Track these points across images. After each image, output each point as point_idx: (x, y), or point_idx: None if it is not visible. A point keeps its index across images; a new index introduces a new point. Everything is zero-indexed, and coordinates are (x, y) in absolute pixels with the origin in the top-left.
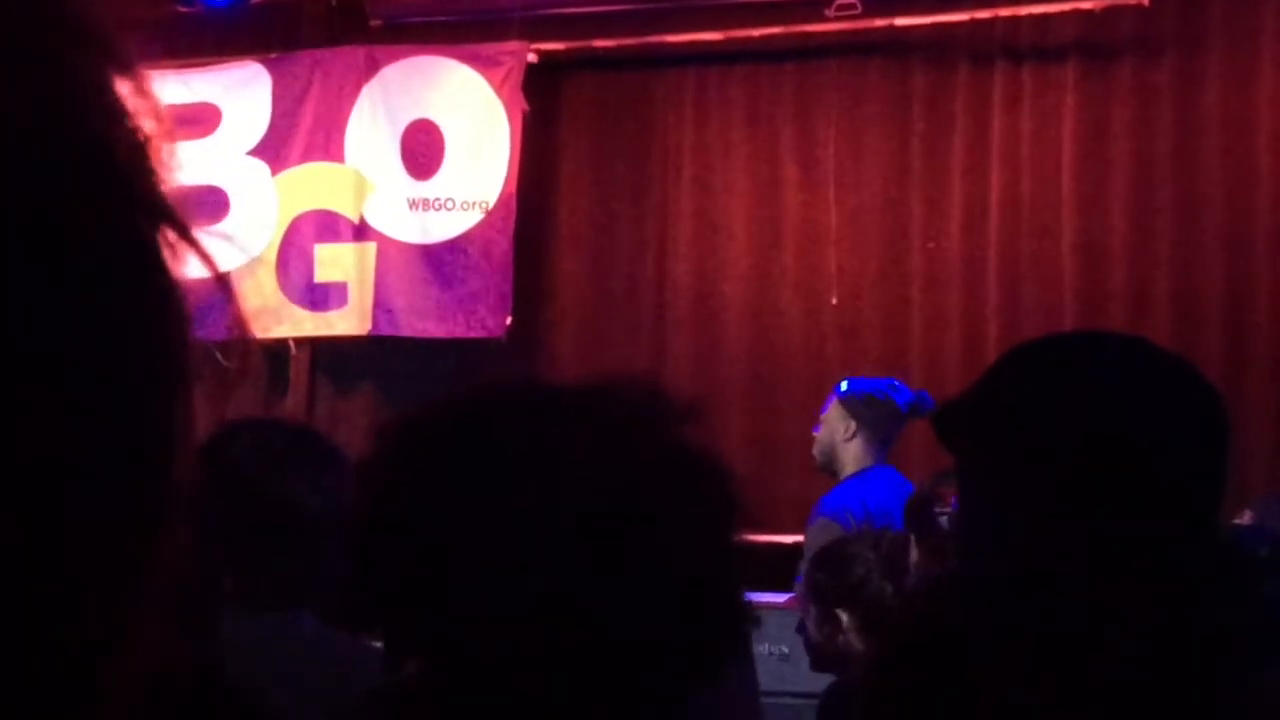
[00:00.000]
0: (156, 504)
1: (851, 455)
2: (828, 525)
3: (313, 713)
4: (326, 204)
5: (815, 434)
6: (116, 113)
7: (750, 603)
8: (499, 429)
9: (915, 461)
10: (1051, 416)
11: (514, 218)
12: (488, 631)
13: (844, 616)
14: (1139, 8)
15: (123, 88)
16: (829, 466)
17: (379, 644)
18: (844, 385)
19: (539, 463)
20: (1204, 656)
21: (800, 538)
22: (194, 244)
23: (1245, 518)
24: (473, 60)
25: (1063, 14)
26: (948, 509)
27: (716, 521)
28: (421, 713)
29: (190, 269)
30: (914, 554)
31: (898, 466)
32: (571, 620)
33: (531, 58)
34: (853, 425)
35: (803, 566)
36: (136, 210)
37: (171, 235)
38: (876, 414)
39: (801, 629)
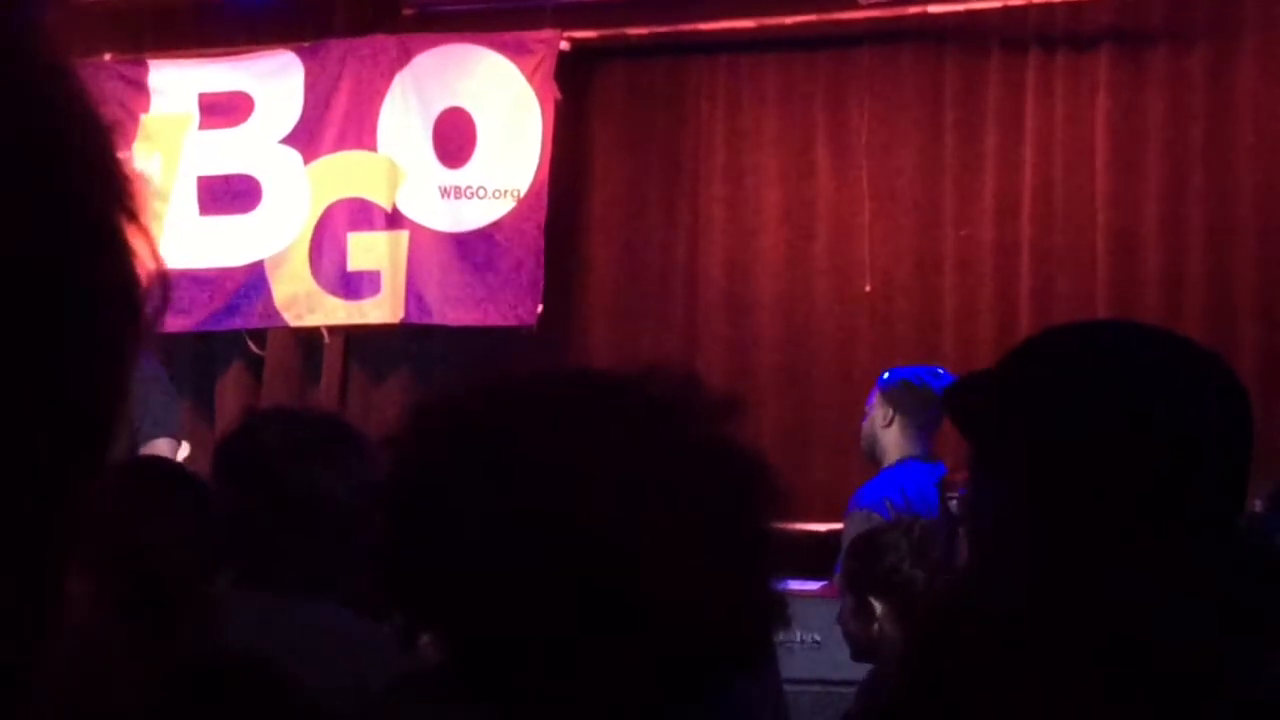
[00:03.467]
0: (76, 496)
1: (891, 442)
2: (869, 517)
3: (334, 698)
4: (359, 192)
5: (863, 426)
6: (78, 95)
7: (783, 597)
8: (534, 416)
9: (958, 451)
10: (1085, 408)
11: (546, 206)
12: (510, 615)
13: (878, 605)
14: None
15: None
16: (872, 455)
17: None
18: (885, 375)
19: (571, 451)
20: (1231, 647)
21: (832, 525)
22: (144, 231)
23: (1256, 505)
24: (505, 48)
25: (1096, 1)
26: (956, 494)
27: (750, 514)
28: (450, 697)
29: (224, 257)
30: (963, 547)
31: (942, 455)
32: (599, 608)
33: (564, 46)
34: (890, 412)
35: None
36: (98, 190)
37: (127, 219)
38: (913, 399)
39: (841, 618)
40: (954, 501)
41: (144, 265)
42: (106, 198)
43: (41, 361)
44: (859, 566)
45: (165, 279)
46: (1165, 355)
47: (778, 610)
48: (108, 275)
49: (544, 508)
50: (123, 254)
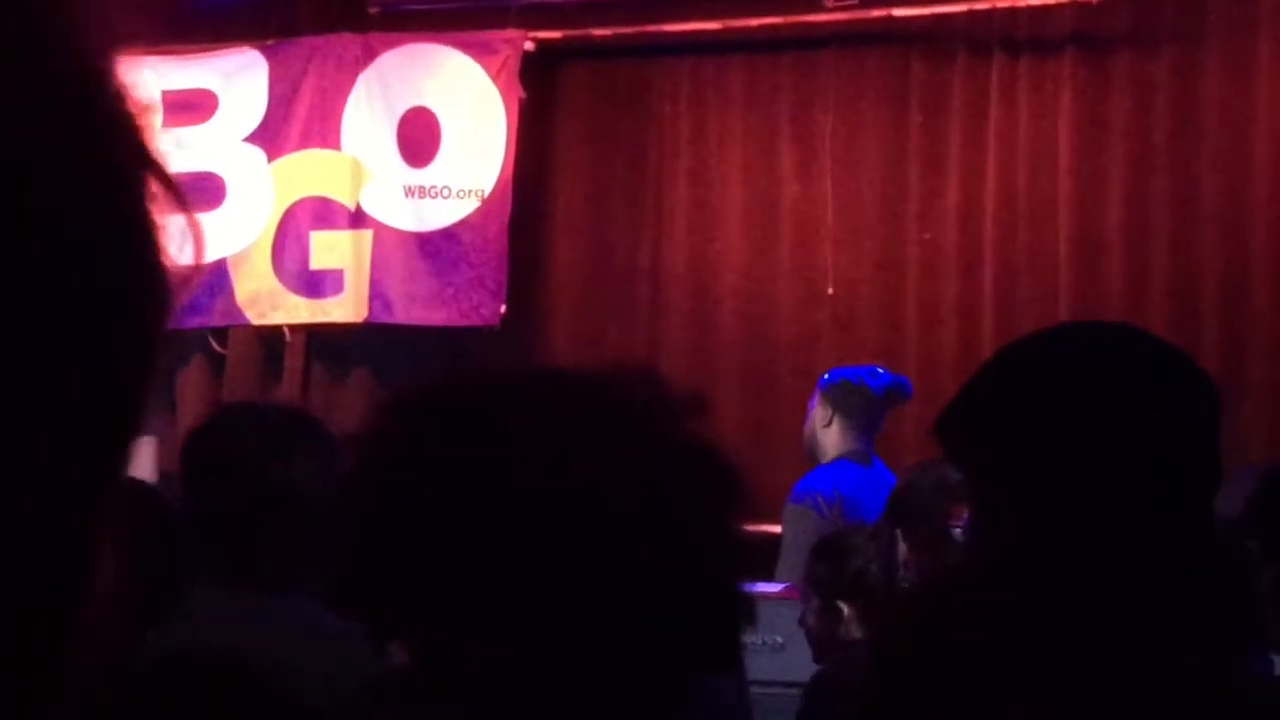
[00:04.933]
0: (108, 482)
1: (831, 442)
2: (799, 512)
3: (312, 695)
4: (323, 191)
5: (805, 428)
6: (101, 67)
7: (751, 596)
8: (500, 414)
9: (909, 451)
10: (1075, 407)
11: (509, 206)
12: (480, 618)
13: (844, 608)
14: None
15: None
16: (812, 455)
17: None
18: (825, 376)
19: (539, 450)
20: (1230, 648)
21: None
22: (179, 198)
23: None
24: (469, 48)
25: (1060, 5)
26: (959, 522)
27: (720, 512)
28: (426, 697)
29: (184, 255)
30: (902, 548)
31: (891, 455)
32: (565, 610)
33: (528, 46)
34: (829, 412)
35: (781, 555)
36: (123, 159)
37: (157, 189)
38: (852, 399)
39: (804, 621)
40: (958, 530)
41: (177, 252)
42: (140, 183)
43: (67, 350)
44: (825, 569)
45: (200, 268)
46: (1149, 354)
47: (747, 610)
48: (143, 262)
49: (515, 508)
50: (156, 240)
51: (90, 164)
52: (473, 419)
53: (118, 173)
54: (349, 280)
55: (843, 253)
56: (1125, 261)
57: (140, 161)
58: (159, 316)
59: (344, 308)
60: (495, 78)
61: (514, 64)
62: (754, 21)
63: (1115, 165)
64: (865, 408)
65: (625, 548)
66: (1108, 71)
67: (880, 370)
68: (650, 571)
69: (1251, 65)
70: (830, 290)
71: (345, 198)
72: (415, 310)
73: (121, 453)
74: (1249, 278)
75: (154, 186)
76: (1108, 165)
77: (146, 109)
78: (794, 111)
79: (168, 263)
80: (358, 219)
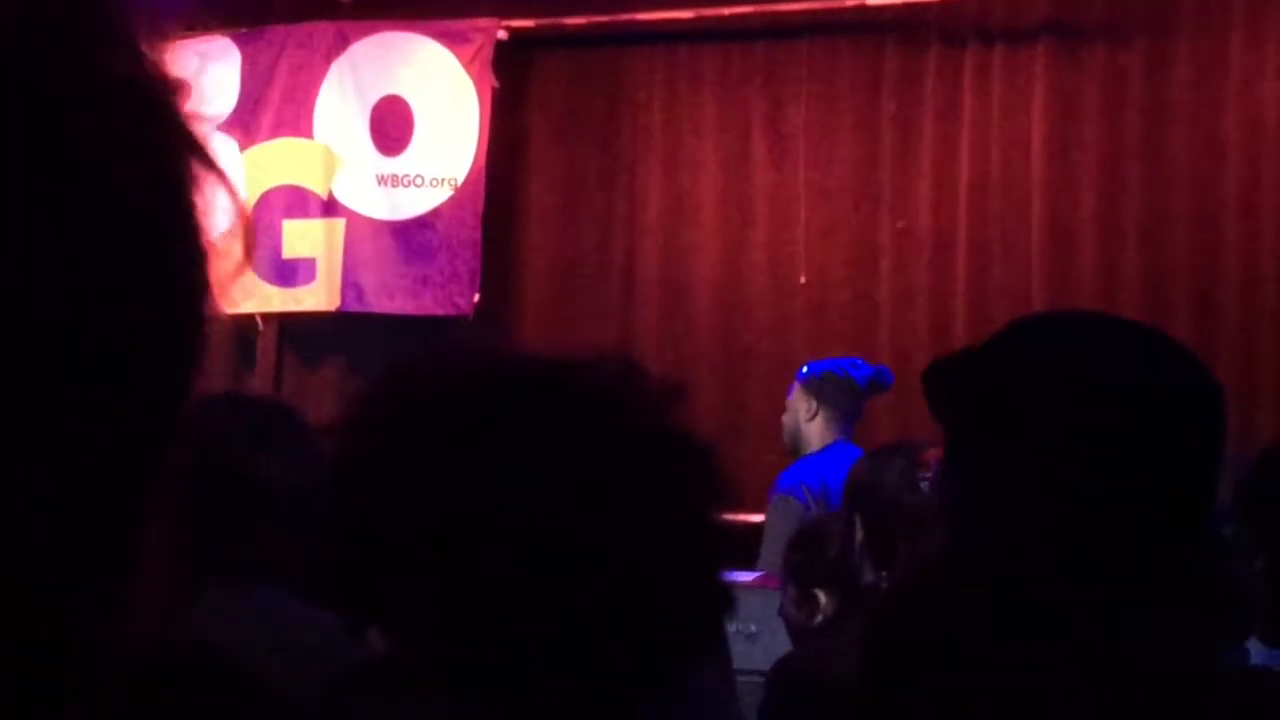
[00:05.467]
0: (156, 471)
1: (815, 434)
2: (784, 500)
3: (300, 690)
4: (295, 179)
5: (784, 420)
6: (137, 45)
7: (730, 586)
8: (477, 402)
9: (884, 439)
10: (1048, 400)
11: (483, 195)
12: (459, 610)
13: (822, 596)
14: None
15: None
16: (795, 448)
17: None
18: (804, 369)
19: (518, 443)
20: (1188, 646)
21: None
22: (219, 175)
23: None
24: (443, 37)
25: None
26: (928, 474)
27: (697, 504)
28: (395, 691)
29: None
30: (859, 535)
31: (865, 444)
32: (541, 600)
33: (502, 34)
34: (814, 405)
35: (764, 545)
36: (164, 139)
37: (199, 169)
38: (836, 391)
39: (782, 610)
40: (925, 483)
41: (220, 234)
42: (183, 163)
43: (110, 336)
44: (802, 558)
45: (249, 235)
46: (1129, 345)
47: (726, 600)
48: (186, 245)
49: (495, 503)
50: (198, 222)
51: (133, 144)
52: (453, 411)
53: (160, 153)
54: (321, 269)
55: (816, 241)
56: (1097, 249)
57: (182, 142)
58: (201, 299)
59: (316, 296)
60: (468, 66)
61: (487, 52)
62: (727, 10)
63: (1088, 154)
64: (849, 399)
65: (607, 540)
66: (1080, 62)
67: (859, 361)
68: (632, 563)
69: (1224, 56)
70: (803, 279)
71: (318, 186)
72: (388, 299)
73: (168, 439)
74: (1220, 265)
75: (196, 167)
76: (1080, 155)
77: (184, 90)
78: (767, 100)
79: (208, 245)
80: (330, 208)
